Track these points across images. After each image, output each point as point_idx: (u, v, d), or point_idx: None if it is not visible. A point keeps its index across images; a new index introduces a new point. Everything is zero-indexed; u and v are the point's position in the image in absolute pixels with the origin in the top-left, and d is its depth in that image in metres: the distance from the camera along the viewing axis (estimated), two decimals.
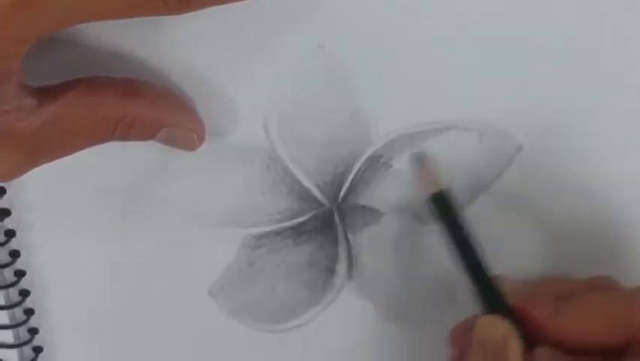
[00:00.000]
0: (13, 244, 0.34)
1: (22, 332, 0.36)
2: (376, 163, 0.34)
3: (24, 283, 0.35)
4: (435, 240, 0.35)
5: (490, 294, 0.32)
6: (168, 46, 0.30)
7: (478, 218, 0.34)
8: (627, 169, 0.35)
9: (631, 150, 0.34)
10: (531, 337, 0.31)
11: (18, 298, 0.35)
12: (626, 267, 0.35)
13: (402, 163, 0.34)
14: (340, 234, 0.35)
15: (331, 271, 0.36)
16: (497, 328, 0.31)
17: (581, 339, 0.31)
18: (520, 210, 0.33)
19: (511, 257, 0.36)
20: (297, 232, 0.35)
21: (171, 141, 0.31)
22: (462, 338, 0.33)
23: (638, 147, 0.34)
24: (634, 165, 0.35)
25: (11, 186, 0.33)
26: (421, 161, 0.33)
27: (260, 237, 0.35)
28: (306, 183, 0.34)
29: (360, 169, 0.34)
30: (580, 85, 0.33)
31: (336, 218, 0.35)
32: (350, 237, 0.35)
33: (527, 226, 0.34)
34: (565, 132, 0.34)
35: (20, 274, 0.35)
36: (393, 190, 0.34)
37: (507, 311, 0.32)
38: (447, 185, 0.33)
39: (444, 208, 0.33)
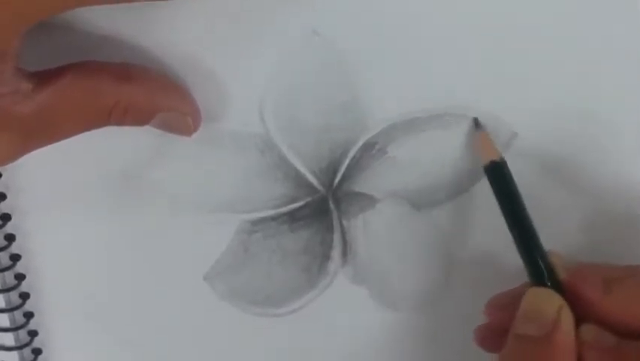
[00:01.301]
0: (9, 228, 0.34)
1: (18, 315, 0.36)
2: (371, 150, 0.34)
3: (19, 268, 0.35)
4: (429, 225, 0.35)
5: (541, 267, 0.32)
6: (164, 31, 0.30)
7: (472, 203, 0.34)
8: (624, 155, 0.35)
9: (630, 139, 0.34)
10: (577, 314, 0.31)
11: (14, 283, 0.35)
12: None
13: (397, 150, 0.34)
14: (335, 220, 0.35)
15: (326, 256, 0.36)
16: (550, 301, 0.31)
17: (628, 321, 0.30)
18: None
19: (505, 240, 0.36)
20: (292, 218, 0.35)
21: (167, 126, 0.31)
22: (502, 309, 0.33)
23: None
24: (630, 153, 0.35)
25: (6, 170, 0.33)
26: (481, 127, 0.33)
27: (255, 222, 0.35)
28: (302, 169, 0.34)
29: (355, 156, 0.34)
30: (575, 74, 0.33)
31: (331, 204, 0.35)
32: (345, 223, 0.36)
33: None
34: (560, 120, 0.34)
35: (16, 258, 0.35)
36: (388, 177, 0.34)
37: (556, 286, 0.31)
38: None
39: (500, 177, 0.33)
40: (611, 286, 0.31)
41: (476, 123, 0.33)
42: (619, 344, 0.30)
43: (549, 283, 0.32)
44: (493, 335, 0.33)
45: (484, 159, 0.33)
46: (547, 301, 0.31)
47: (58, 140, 0.29)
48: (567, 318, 0.30)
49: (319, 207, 0.35)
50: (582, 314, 0.31)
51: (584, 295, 0.31)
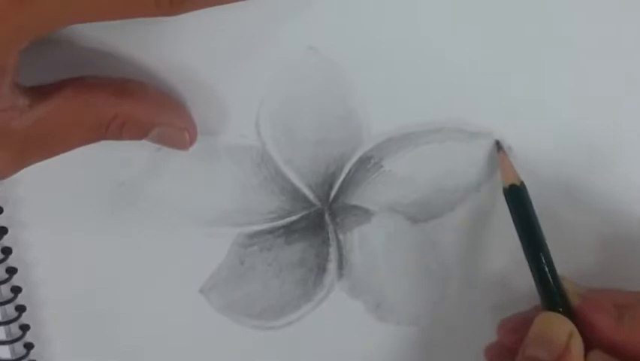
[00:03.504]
0: (5, 241, 0.34)
1: (14, 328, 0.36)
2: (367, 164, 0.34)
3: (16, 280, 0.35)
4: (425, 239, 0.36)
5: (554, 293, 0.32)
6: (160, 46, 0.30)
7: (467, 217, 0.34)
8: (622, 173, 0.35)
9: (624, 151, 0.35)
10: (587, 340, 0.31)
11: (10, 295, 0.35)
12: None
13: (393, 164, 0.34)
14: (331, 233, 0.36)
15: (322, 269, 0.36)
16: (561, 327, 0.31)
17: (638, 351, 0.30)
18: (507, 211, 0.33)
19: (499, 254, 0.36)
20: (288, 231, 0.35)
21: (163, 140, 0.31)
22: (514, 332, 0.33)
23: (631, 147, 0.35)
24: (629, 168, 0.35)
25: (3, 184, 0.33)
26: (503, 149, 0.33)
27: (252, 236, 0.35)
28: (298, 183, 0.34)
29: (351, 170, 0.34)
30: (571, 86, 0.33)
31: (327, 218, 0.35)
32: (341, 236, 0.36)
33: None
34: (555, 133, 0.34)
35: (12, 271, 0.35)
36: (384, 191, 0.35)
37: (568, 311, 0.32)
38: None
39: (519, 201, 0.33)
40: (623, 314, 0.31)
41: (498, 145, 0.33)
42: None
43: (561, 309, 0.32)
44: (504, 354, 0.33)
45: (505, 182, 0.33)
46: (559, 327, 0.31)
47: (55, 154, 0.29)
48: (577, 345, 0.30)
49: (315, 221, 0.35)
50: (592, 341, 0.31)
51: (595, 322, 0.31)
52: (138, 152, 0.33)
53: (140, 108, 0.30)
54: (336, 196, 0.35)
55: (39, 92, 0.28)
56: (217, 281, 0.36)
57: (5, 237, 0.34)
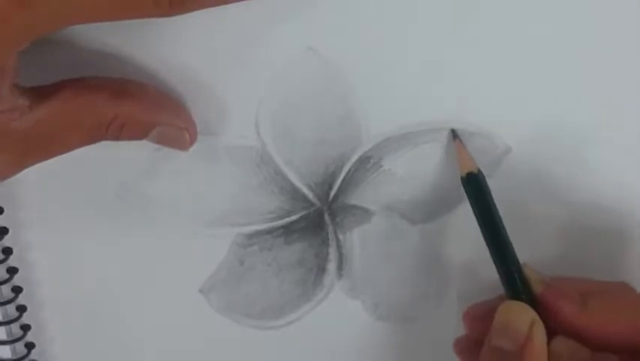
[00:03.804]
0: (6, 241, 0.34)
1: (15, 328, 0.36)
2: (366, 164, 0.34)
3: (17, 281, 0.35)
4: (424, 239, 0.36)
5: (516, 280, 0.32)
6: (160, 47, 0.31)
7: (466, 216, 0.34)
8: (616, 171, 0.35)
9: (622, 154, 0.35)
10: (550, 327, 0.31)
11: (11, 295, 0.35)
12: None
13: (392, 163, 0.34)
14: (331, 233, 0.36)
15: (322, 269, 0.36)
16: (523, 315, 0.31)
17: (602, 336, 0.31)
18: (506, 210, 0.34)
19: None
20: (288, 231, 0.35)
21: (163, 141, 0.31)
22: (479, 320, 0.33)
23: (627, 148, 0.35)
24: (624, 169, 0.35)
25: (3, 185, 0.33)
26: (459, 138, 0.33)
27: (251, 236, 0.35)
28: (297, 183, 0.34)
29: (350, 170, 0.34)
30: (569, 87, 0.33)
31: (327, 218, 0.35)
32: (340, 236, 0.36)
33: (513, 225, 0.34)
34: (554, 135, 0.34)
35: (13, 271, 0.35)
36: (383, 190, 0.35)
37: (530, 299, 0.32)
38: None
39: (477, 189, 0.33)
40: (587, 301, 0.31)
41: (454, 134, 0.33)
42: (592, 357, 0.30)
43: (523, 297, 0.32)
44: (471, 346, 0.33)
45: (462, 171, 0.33)
46: (520, 316, 0.31)
47: (55, 155, 0.29)
48: (539, 333, 0.31)
49: (315, 221, 0.35)
50: (556, 328, 0.31)
51: (559, 309, 0.31)
52: (138, 152, 0.33)
53: (140, 109, 0.30)
54: (336, 196, 0.35)
55: (39, 93, 0.28)
56: (216, 281, 0.36)
57: (6, 237, 0.34)
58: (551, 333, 0.31)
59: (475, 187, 0.33)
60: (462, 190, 0.35)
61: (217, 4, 0.28)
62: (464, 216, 0.35)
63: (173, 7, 0.26)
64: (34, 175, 0.31)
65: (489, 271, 0.34)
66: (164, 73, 0.31)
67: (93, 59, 0.30)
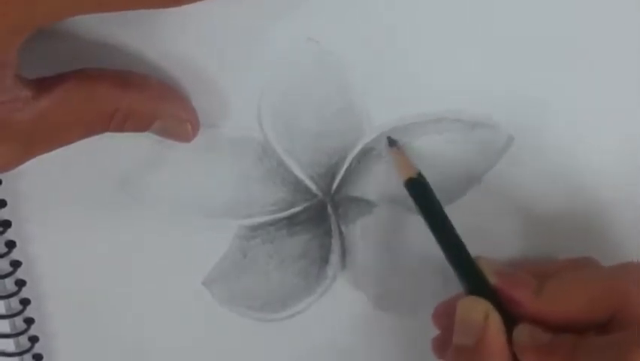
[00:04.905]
0: (9, 234, 0.34)
1: (19, 321, 0.36)
2: (369, 155, 0.34)
3: (20, 274, 0.35)
4: (427, 230, 0.36)
5: (470, 275, 0.32)
6: (162, 38, 0.31)
7: (469, 208, 0.34)
8: (615, 163, 0.35)
9: (621, 144, 0.35)
10: (513, 316, 0.31)
11: (14, 289, 0.35)
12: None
13: None
14: (333, 225, 0.36)
15: (325, 261, 0.36)
16: (477, 308, 0.31)
17: (562, 317, 0.31)
18: (510, 202, 0.34)
19: (501, 246, 0.36)
20: (290, 223, 0.35)
21: (166, 133, 0.31)
22: (445, 319, 0.33)
23: (626, 141, 0.35)
24: (622, 159, 0.35)
25: (6, 177, 0.33)
26: (395, 145, 0.33)
27: (254, 228, 0.35)
28: (300, 174, 0.34)
29: (353, 161, 0.34)
30: (572, 78, 0.33)
31: (330, 209, 0.35)
32: (343, 228, 0.36)
33: (517, 217, 0.34)
34: (555, 125, 0.34)
35: (16, 264, 0.35)
36: (385, 181, 0.35)
37: (488, 292, 0.32)
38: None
39: (421, 192, 0.33)
40: (543, 284, 0.31)
41: (390, 141, 0.33)
42: (552, 339, 0.30)
43: (479, 291, 0.32)
44: (446, 345, 0.33)
45: (403, 176, 0.33)
46: (475, 309, 0.31)
47: (58, 147, 0.29)
48: (494, 323, 0.31)
49: (317, 213, 0.35)
50: (518, 316, 0.31)
51: (515, 297, 0.31)
52: (141, 144, 0.33)
53: (143, 100, 0.30)
54: (339, 187, 0.35)
55: (42, 85, 0.28)
56: (219, 273, 0.36)
57: (9, 230, 0.34)
58: (514, 322, 0.31)
59: (418, 191, 0.33)
60: (464, 181, 0.35)
61: None
62: (467, 206, 0.35)
63: None
64: (36, 168, 0.31)
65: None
66: (167, 64, 0.31)
67: (96, 51, 0.30)
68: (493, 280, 0.32)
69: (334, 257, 0.36)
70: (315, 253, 0.36)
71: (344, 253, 0.36)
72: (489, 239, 0.36)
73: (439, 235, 0.33)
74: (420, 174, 0.33)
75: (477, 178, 0.35)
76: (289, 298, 0.37)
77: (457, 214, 0.35)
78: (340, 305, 0.37)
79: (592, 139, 0.34)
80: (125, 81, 0.30)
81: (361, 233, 0.36)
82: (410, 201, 0.35)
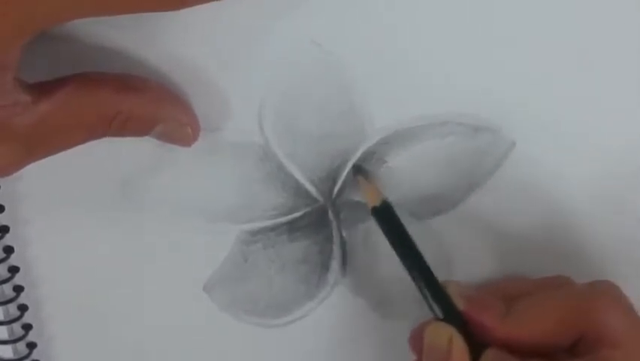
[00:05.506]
0: (7, 239, 0.34)
1: (16, 328, 0.36)
2: (370, 159, 0.34)
3: (18, 280, 0.35)
4: (429, 235, 0.35)
5: (438, 300, 0.32)
6: (163, 42, 0.30)
7: (473, 214, 0.34)
8: (616, 170, 0.35)
9: (623, 150, 0.35)
10: (482, 340, 0.31)
11: (12, 295, 0.35)
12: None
13: (396, 159, 0.34)
14: (335, 230, 0.35)
15: (325, 267, 0.36)
16: (442, 334, 0.31)
17: (530, 340, 0.31)
18: (511, 207, 0.34)
19: (505, 255, 0.36)
20: (291, 228, 0.35)
21: (166, 137, 0.31)
22: (419, 344, 0.33)
23: (628, 147, 0.35)
24: (622, 165, 0.35)
25: (5, 181, 0.33)
26: (361, 173, 0.34)
27: (254, 232, 0.35)
28: (301, 179, 0.34)
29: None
30: (574, 84, 0.33)
31: (331, 214, 0.35)
32: (344, 233, 0.36)
33: (523, 223, 0.34)
34: (557, 131, 0.34)
35: (14, 270, 0.35)
36: (387, 186, 0.35)
37: (457, 317, 0.32)
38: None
39: (387, 219, 0.33)
40: (511, 307, 0.31)
41: (355, 169, 0.33)
42: None
43: (448, 316, 0.32)
44: None
45: (370, 204, 0.33)
46: (439, 335, 0.31)
47: (59, 151, 0.29)
48: (457, 348, 0.31)
49: (318, 217, 0.35)
50: (487, 341, 0.31)
51: (482, 322, 0.31)
52: (141, 148, 0.32)
53: (143, 104, 0.30)
54: (340, 192, 0.35)
55: (42, 89, 0.28)
56: (220, 278, 0.36)
57: (7, 235, 0.34)
58: (483, 347, 0.31)
59: (384, 218, 0.33)
60: (466, 186, 0.34)
61: None
62: (469, 212, 0.35)
63: (177, 2, 0.26)
64: (35, 173, 0.31)
65: (493, 267, 0.34)
66: (167, 68, 0.31)
67: (96, 54, 0.30)
68: (460, 305, 0.32)
69: (335, 263, 0.36)
70: (316, 258, 0.36)
71: (345, 259, 0.36)
72: (491, 244, 0.35)
73: (406, 262, 0.33)
74: (385, 202, 0.33)
75: (480, 183, 0.35)
76: (290, 304, 0.37)
77: (459, 219, 0.35)
78: (341, 311, 0.37)
79: (593, 145, 0.34)
80: (125, 85, 0.30)
81: (363, 238, 0.36)
82: (412, 207, 0.35)
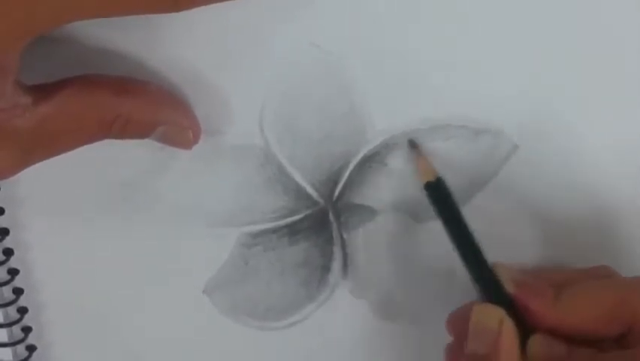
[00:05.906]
0: (7, 242, 0.34)
1: (16, 330, 0.36)
2: (371, 162, 0.34)
3: (17, 282, 0.35)
4: (430, 238, 0.35)
5: (487, 282, 0.32)
6: (164, 44, 0.30)
7: (475, 215, 0.34)
8: (621, 167, 0.35)
9: (625, 148, 0.35)
10: (530, 325, 0.31)
11: (12, 297, 0.35)
12: (620, 262, 0.35)
13: (397, 162, 0.34)
14: (335, 232, 0.35)
15: (326, 269, 0.36)
16: (492, 316, 0.31)
17: (579, 327, 0.31)
18: (516, 208, 0.33)
19: (509, 253, 0.36)
20: (292, 231, 0.35)
21: (167, 139, 0.31)
22: (459, 326, 0.33)
23: (631, 145, 0.35)
24: (629, 162, 0.35)
25: (5, 184, 0.33)
26: (416, 148, 0.33)
27: (255, 235, 0.35)
28: (301, 181, 0.34)
29: (355, 168, 0.34)
30: (576, 84, 0.33)
31: (331, 216, 0.35)
32: (345, 235, 0.35)
33: (524, 223, 0.34)
34: (560, 131, 0.34)
35: (14, 272, 0.35)
36: (387, 189, 0.34)
37: (505, 299, 0.32)
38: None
39: (439, 196, 0.33)
40: (560, 294, 0.31)
41: (411, 144, 0.33)
42: (570, 353, 0.30)
43: (495, 298, 0.32)
44: (458, 353, 0.33)
45: (423, 179, 0.33)
46: (489, 316, 0.31)
47: (58, 153, 0.29)
48: (508, 330, 0.31)
49: (319, 220, 0.35)
50: (535, 325, 0.31)
51: (532, 307, 0.31)
52: (141, 151, 0.32)
53: (144, 106, 0.30)
54: (340, 194, 0.34)
55: (42, 91, 0.28)
56: (220, 281, 0.36)
57: (7, 238, 0.34)
58: (530, 332, 0.31)
59: (437, 194, 0.33)
60: (467, 188, 0.34)
61: (220, 0, 0.28)
62: (470, 214, 0.35)
63: (177, 4, 0.26)
64: (35, 175, 0.31)
65: None
66: (168, 70, 0.31)
67: (96, 57, 0.30)
68: (510, 288, 0.32)
69: (336, 265, 0.36)
70: (317, 260, 0.36)
71: (345, 261, 0.36)
72: (493, 245, 0.35)
73: (457, 241, 0.32)
74: (439, 178, 0.33)
75: (480, 186, 0.34)
76: (290, 307, 0.37)
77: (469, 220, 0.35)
78: (342, 314, 0.37)
79: (595, 146, 0.34)
80: (125, 88, 0.29)
81: (363, 241, 0.36)
82: (413, 209, 0.35)
